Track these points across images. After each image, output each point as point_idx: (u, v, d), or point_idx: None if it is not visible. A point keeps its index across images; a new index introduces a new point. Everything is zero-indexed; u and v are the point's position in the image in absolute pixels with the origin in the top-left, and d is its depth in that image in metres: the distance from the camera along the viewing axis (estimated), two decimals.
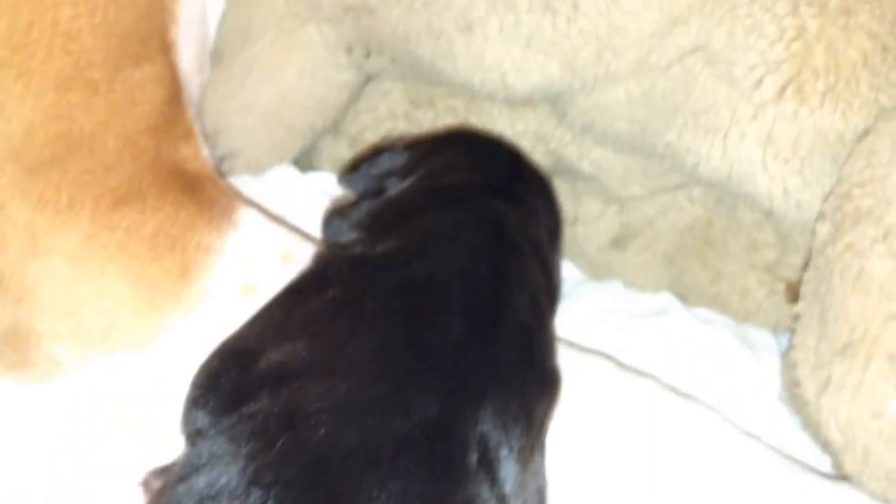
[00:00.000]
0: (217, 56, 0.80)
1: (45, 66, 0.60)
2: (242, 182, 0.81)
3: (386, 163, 0.69)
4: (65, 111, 0.60)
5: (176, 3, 0.68)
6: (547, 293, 0.61)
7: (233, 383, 0.51)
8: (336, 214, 0.65)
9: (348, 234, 0.62)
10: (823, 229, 0.62)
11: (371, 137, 0.84)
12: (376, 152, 0.71)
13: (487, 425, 0.51)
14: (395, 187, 0.65)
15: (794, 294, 0.70)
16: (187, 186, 0.63)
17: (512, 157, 0.69)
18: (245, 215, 0.65)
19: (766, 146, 0.65)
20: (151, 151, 0.63)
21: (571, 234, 0.84)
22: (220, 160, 0.79)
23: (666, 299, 0.83)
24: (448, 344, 0.51)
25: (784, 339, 0.76)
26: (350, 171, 0.72)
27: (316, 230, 0.72)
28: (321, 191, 0.82)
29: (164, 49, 0.66)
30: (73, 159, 0.60)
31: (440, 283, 0.54)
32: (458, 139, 0.72)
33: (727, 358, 0.80)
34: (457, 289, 0.54)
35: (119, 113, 0.62)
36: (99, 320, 0.59)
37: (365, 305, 0.52)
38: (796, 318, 0.66)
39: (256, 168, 0.82)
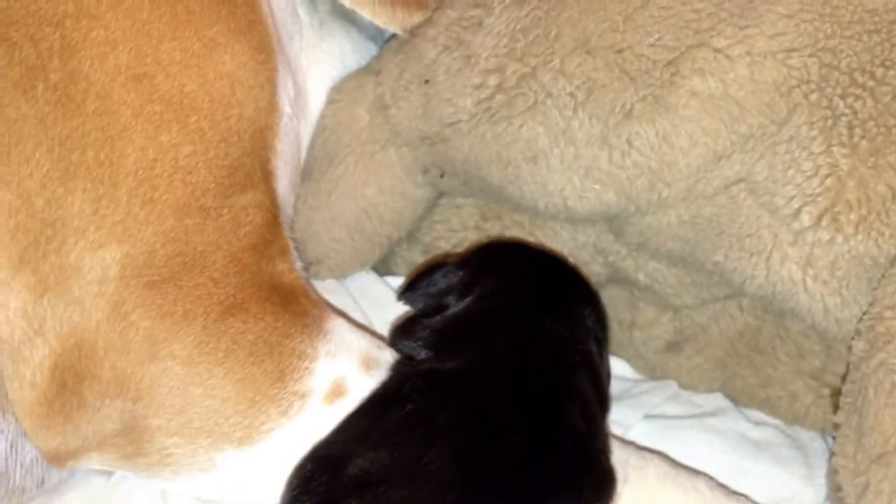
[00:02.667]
0: (307, 173, 0.89)
1: (166, 195, 0.69)
2: (327, 286, 0.90)
3: (442, 281, 0.77)
4: (181, 234, 0.69)
5: (276, 137, 0.77)
6: (598, 399, 0.68)
7: (325, 487, 0.59)
8: (402, 333, 0.73)
9: (417, 351, 0.70)
10: (859, 346, 0.68)
11: (444, 246, 0.92)
12: (431, 270, 0.79)
13: None
14: (454, 306, 0.72)
15: (837, 402, 0.76)
16: (283, 298, 0.72)
17: (559, 272, 0.77)
18: (333, 324, 0.73)
19: (806, 269, 0.71)
20: (253, 267, 0.72)
21: (629, 338, 0.90)
22: (308, 265, 0.88)
23: (718, 400, 0.89)
24: (512, 455, 0.58)
25: (832, 442, 0.81)
26: (409, 290, 0.79)
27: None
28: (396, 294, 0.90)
29: (266, 177, 0.76)
30: (187, 275, 0.69)
31: (502, 400, 0.61)
32: (507, 256, 0.80)
33: (777, 458, 0.84)
34: (518, 404, 0.61)
35: (227, 234, 0.71)
36: (207, 417, 0.67)
37: (439, 419, 0.60)
38: (837, 427, 0.71)
39: (339, 273, 0.91)
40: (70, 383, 0.67)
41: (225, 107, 0.73)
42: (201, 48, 0.73)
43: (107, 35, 0.70)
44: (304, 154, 0.89)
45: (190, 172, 0.70)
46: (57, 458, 0.70)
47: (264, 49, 0.78)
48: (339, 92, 0.90)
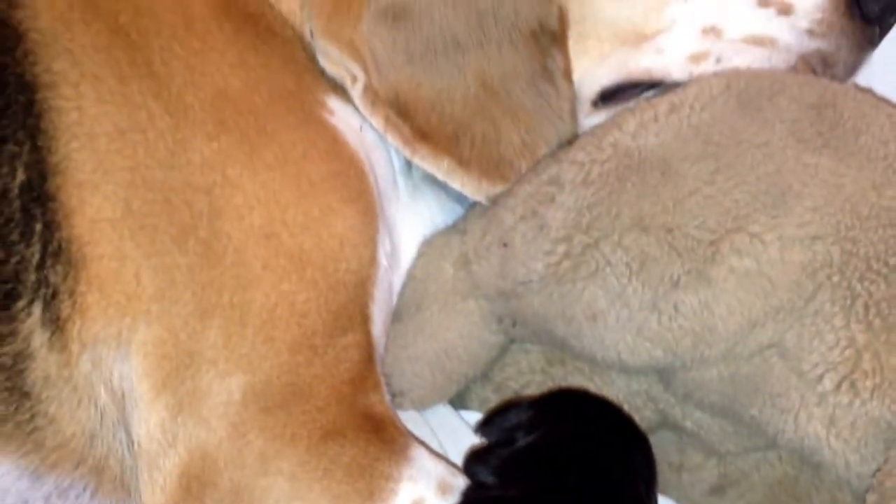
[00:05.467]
0: (397, 316, 1.03)
1: (283, 334, 0.83)
2: (408, 416, 1.02)
3: (514, 418, 0.88)
4: (294, 368, 0.83)
5: (374, 286, 0.91)
6: None
7: None
8: (476, 461, 0.85)
9: (486, 477, 0.82)
10: (872, 499, 0.77)
11: (513, 385, 1.04)
12: (506, 408, 0.91)
13: None
14: (522, 440, 0.84)
15: None
16: (375, 426, 0.84)
17: (615, 419, 0.88)
18: (415, 452, 0.85)
19: (829, 427, 0.81)
20: (351, 398, 0.84)
21: (677, 479, 1.00)
22: (392, 396, 1.01)
23: None
24: None
25: None
26: (485, 424, 0.92)
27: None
28: (470, 427, 1.02)
29: (364, 320, 0.89)
30: (296, 403, 0.82)
31: None
32: (571, 401, 0.91)
33: None
34: None
35: (330, 369, 0.84)
36: None
37: None
38: None
39: (420, 405, 1.03)
40: (194, 490, 0.80)
41: (335, 261, 0.87)
42: (319, 213, 0.88)
43: (245, 201, 0.85)
44: (395, 300, 1.02)
45: (304, 316, 0.84)
46: None
47: (369, 213, 0.93)
48: (429, 246, 1.03)
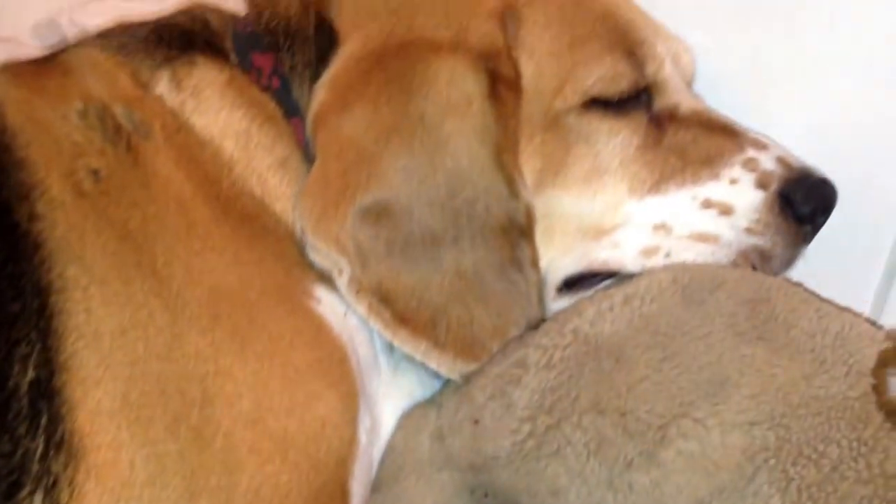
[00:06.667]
0: (375, 486, 1.10)
1: None
2: None
3: None
4: None
5: (354, 463, 0.99)
6: None
7: None
8: None
9: None
10: None
11: None
12: None
13: None
14: None
15: None
16: None
17: None
18: None
19: None
20: None
21: None
22: None
23: None
24: None
25: None
26: None
27: None
28: None
29: (343, 496, 0.97)
30: None
31: None
32: None
33: None
34: None
35: None
36: None
37: None
38: None
39: None
40: None
41: (317, 443, 0.95)
42: (303, 398, 0.96)
43: (236, 389, 0.93)
44: (374, 471, 1.10)
45: (286, 496, 0.92)
46: None
47: (350, 395, 1.01)
48: (407, 419, 1.11)
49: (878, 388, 0.89)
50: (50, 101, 1.00)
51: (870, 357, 0.91)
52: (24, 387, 0.84)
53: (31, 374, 0.85)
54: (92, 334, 0.87)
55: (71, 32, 1.55)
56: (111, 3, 1.62)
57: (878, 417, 0.88)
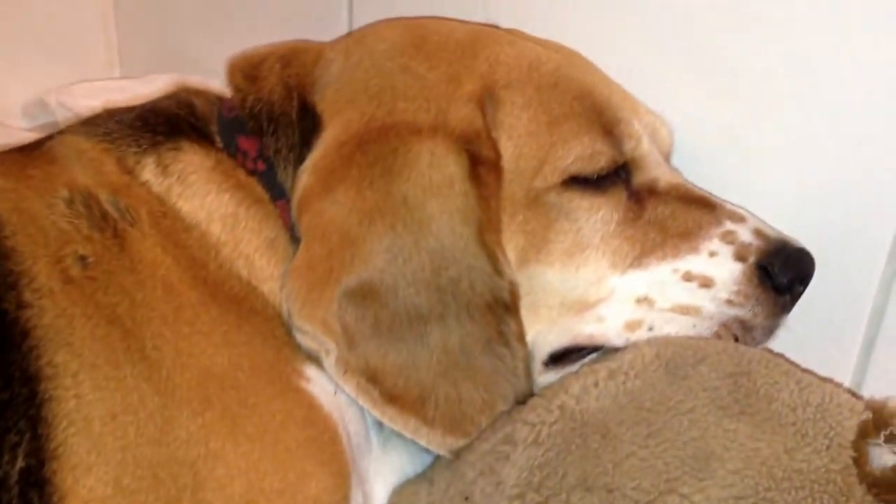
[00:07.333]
0: None
1: None
2: None
3: None
4: None
5: None
6: None
7: None
8: None
9: None
10: None
11: None
12: None
13: None
14: None
15: None
16: None
17: None
18: None
19: None
20: None
21: None
22: None
23: None
24: None
25: None
26: None
27: None
28: None
29: None
30: None
31: None
32: None
33: None
34: None
35: None
36: None
37: None
38: None
39: None
40: None
41: None
42: (295, 478, 0.97)
43: (227, 471, 0.94)
44: None
45: None
46: None
47: (341, 473, 1.02)
48: (399, 496, 1.12)
49: (859, 461, 0.90)
50: (36, 190, 1.01)
51: (850, 429, 0.93)
52: (15, 476, 0.85)
53: (20, 462, 0.85)
54: (82, 420, 0.88)
55: (59, 113, 1.58)
56: (99, 84, 1.65)
57: (859, 490, 0.89)
